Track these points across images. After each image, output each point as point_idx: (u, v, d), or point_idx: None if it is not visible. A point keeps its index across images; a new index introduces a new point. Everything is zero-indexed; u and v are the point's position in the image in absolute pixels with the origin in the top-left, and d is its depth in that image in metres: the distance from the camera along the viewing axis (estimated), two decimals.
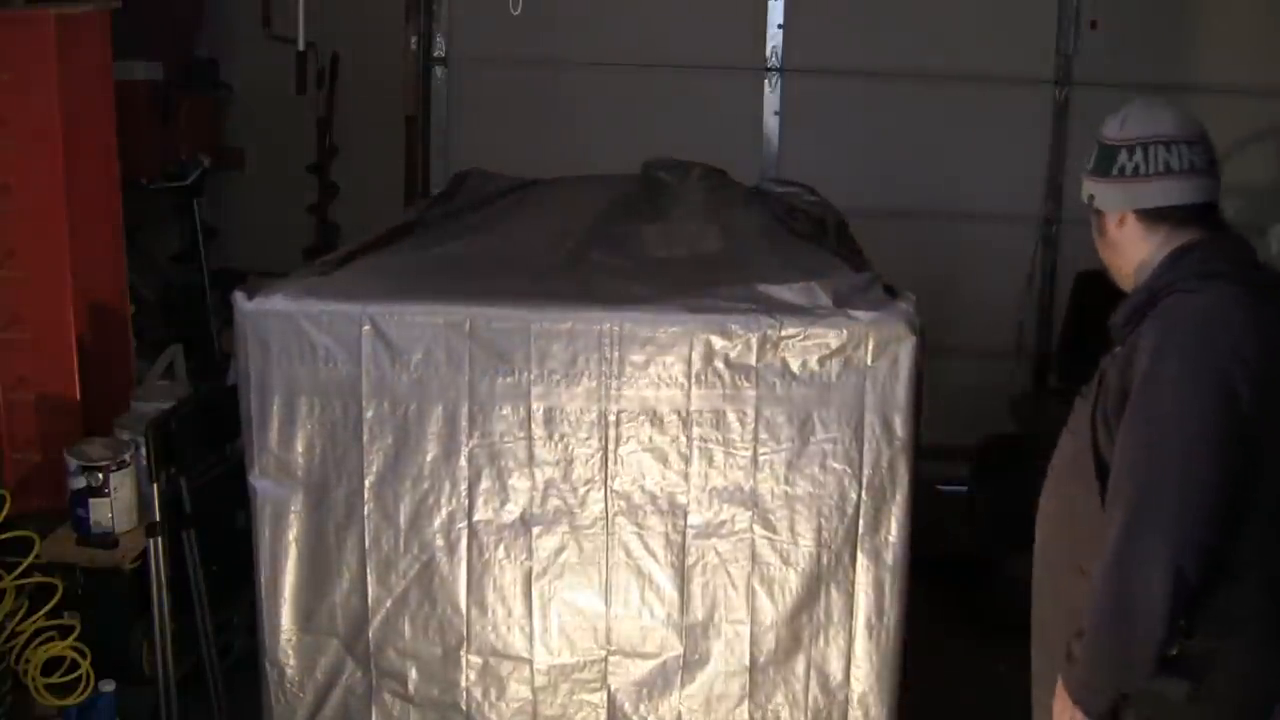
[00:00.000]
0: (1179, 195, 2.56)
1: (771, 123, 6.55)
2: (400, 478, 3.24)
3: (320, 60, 6.61)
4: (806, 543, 3.20)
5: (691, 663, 3.27)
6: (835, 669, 3.25)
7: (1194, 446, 2.38)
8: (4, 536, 3.67)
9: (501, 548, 3.26)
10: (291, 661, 3.34)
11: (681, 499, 3.20)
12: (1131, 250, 2.62)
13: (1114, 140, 2.60)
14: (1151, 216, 2.58)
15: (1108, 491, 2.51)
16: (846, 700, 3.26)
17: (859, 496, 3.17)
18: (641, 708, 3.29)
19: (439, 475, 3.23)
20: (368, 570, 3.28)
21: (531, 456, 3.21)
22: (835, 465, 3.17)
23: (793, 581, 3.21)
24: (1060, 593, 2.72)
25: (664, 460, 3.19)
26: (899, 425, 3.14)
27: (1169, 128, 2.57)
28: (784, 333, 3.12)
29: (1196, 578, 2.36)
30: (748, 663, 3.25)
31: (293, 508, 3.28)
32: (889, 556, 3.20)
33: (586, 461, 3.20)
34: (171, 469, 3.84)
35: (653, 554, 3.23)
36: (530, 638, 3.29)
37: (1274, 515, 2.49)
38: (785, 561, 3.21)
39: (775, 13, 6.49)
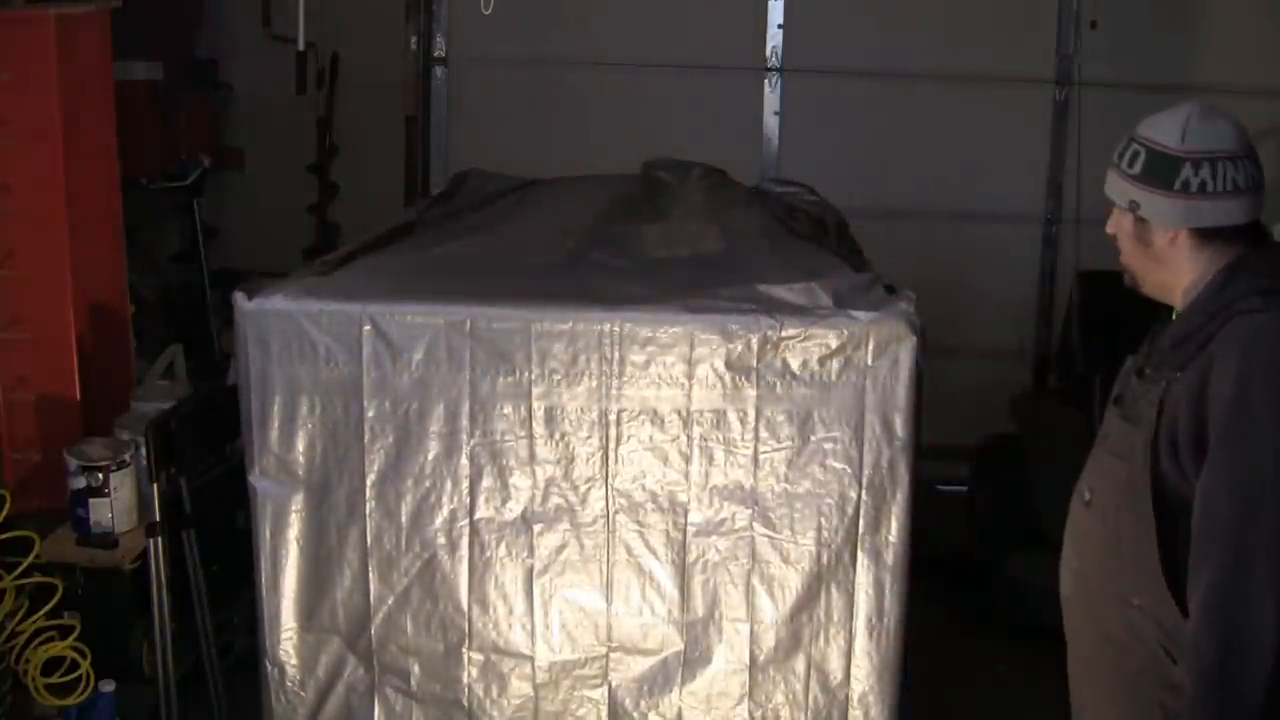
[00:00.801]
0: (1240, 214, 2.46)
1: (771, 123, 6.56)
2: (402, 476, 3.24)
3: (320, 60, 6.61)
4: (807, 542, 3.20)
5: (692, 660, 3.27)
6: (835, 668, 3.25)
7: None
8: (4, 536, 3.67)
9: (503, 545, 3.26)
10: (293, 660, 3.34)
11: (682, 497, 3.21)
12: (1183, 267, 2.51)
13: (1176, 152, 2.45)
14: (1207, 233, 2.47)
15: (1196, 529, 2.42)
16: (846, 699, 3.26)
17: (859, 496, 3.18)
18: (642, 704, 3.30)
19: (440, 474, 3.23)
20: (369, 568, 3.28)
21: (533, 455, 3.21)
22: (835, 465, 3.17)
23: (793, 580, 3.22)
24: (1100, 619, 2.69)
25: (664, 459, 3.19)
26: (899, 425, 3.14)
27: (1232, 142, 2.46)
28: (784, 333, 3.12)
29: None
30: (748, 661, 3.26)
31: (293, 507, 3.28)
32: (889, 556, 3.20)
33: (587, 460, 3.21)
34: (171, 469, 3.84)
35: (653, 552, 3.24)
36: (531, 635, 3.29)
37: None
38: (785, 560, 3.21)
39: (775, 13, 6.49)
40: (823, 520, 3.18)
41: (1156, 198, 2.47)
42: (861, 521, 3.18)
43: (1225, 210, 2.45)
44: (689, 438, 3.18)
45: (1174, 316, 2.57)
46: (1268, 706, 2.37)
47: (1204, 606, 2.40)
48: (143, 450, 3.86)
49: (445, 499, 3.25)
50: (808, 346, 3.12)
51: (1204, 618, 2.40)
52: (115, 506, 4.00)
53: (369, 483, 3.25)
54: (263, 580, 3.32)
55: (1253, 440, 2.34)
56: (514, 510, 3.24)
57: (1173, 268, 2.53)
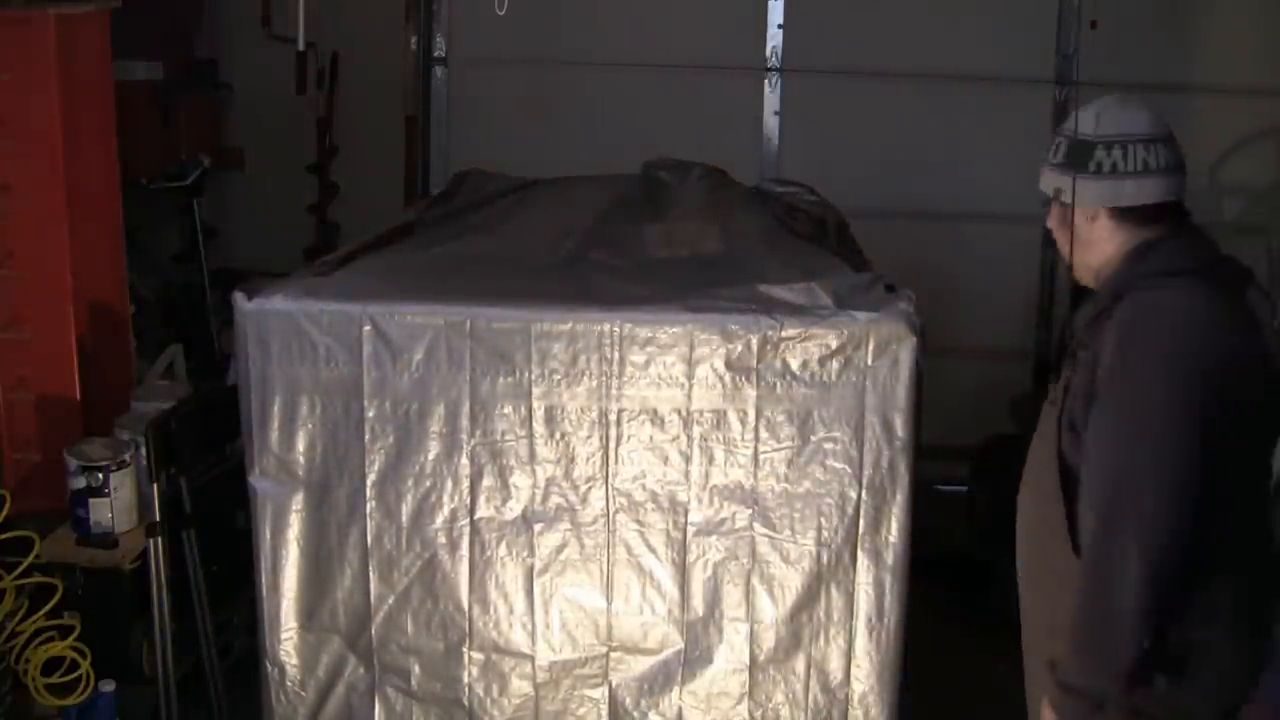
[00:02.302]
0: (1154, 193, 2.60)
1: (771, 123, 6.55)
2: (402, 476, 3.24)
3: (320, 60, 6.60)
4: (807, 542, 3.20)
5: (692, 659, 3.27)
6: (835, 668, 3.25)
7: (1163, 444, 2.38)
8: (4, 536, 3.67)
9: (503, 545, 3.27)
10: (293, 660, 3.35)
11: (682, 497, 3.21)
12: (1100, 246, 2.64)
13: (1091, 137, 2.63)
14: (1124, 213, 2.61)
15: (1081, 495, 2.51)
16: (847, 699, 3.26)
17: (859, 496, 3.18)
18: (642, 703, 3.30)
19: (441, 474, 3.24)
20: (370, 568, 3.28)
21: (533, 454, 3.22)
22: (835, 465, 3.17)
23: (793, 580, 3.22)
24: (1039, 603, 2.74)
25: (664, 458, 3.20)
26: (899, 425, 3.14)
27: (1145, 126, 2.64)
28: (784, 333, 3.12)
29: (1173, 574, 2.37)
30: (748, 660, 3.26)
31: (293, 507, 3.28)
32: (889, 556, 3.21)
33: (588, 459, 3.21)
34: (171, 469, 3.84)
35: (654, 551, 3.24)
36: (532, 634, 3.30)
37: (1248, 508, 2.53)
38: (786, 560, 3.21)
39: (775, 13, 6.48)
40: (823, 520, 3.19)
41: (1087, 182, 2.62)
42: (861, 521, 3.19)
43: (1139, 189, 2.59)
44: (689, 437, 3.18)
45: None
46: (1136, 669, 2.43)
47: (1081, 569, 2.47)
48: (143, 450, 3.86)
49: (445, 499, 3.25)
50: (808, 346, 3.12)
51: (1081, 578, 2.46)
52: (115, 506, 3.99)
53: (369, 483, 3.25)
54: (263, 580, 3.32)
55: (1124, 408, 2.44)
56: (514, 510, 3.25)
57: (1095, 249, 2.65)
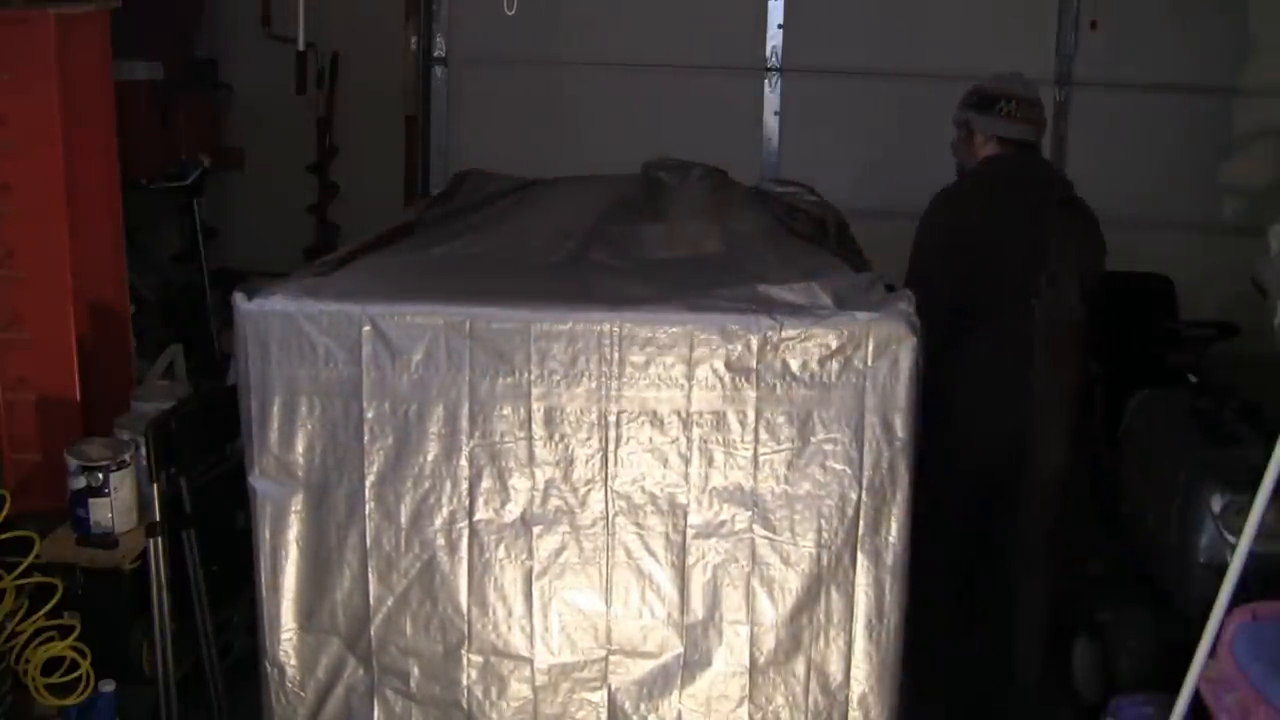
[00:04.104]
0: (1020, 133, 4.27)
1: (771, 123, 6.55)
2: (401, 477, 3.24)
3: (320, 60, 6.61)
4: (807, 543, 3.19)
5: (692, 662, 3.27)
6: (835, 670, 3.25)
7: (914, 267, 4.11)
8: (4, 536, 3.67)
9: (502, 547, 3.26)
10: (292, 661, 3.34)
11: (682, 499, 3.20)
12: (969, 153, 4.36)
13: (995, 91, 4.30)
14: (1001, 141, 4.28)
15: None
16: (847, 701, 3.26)
17: (859, 497, 3.17)
18: (642, 707, 3.30)
19: (440, 475, 3.23)
20: (369, 569, 3.28)
21: (532, 456, 3.21)
22: (835, 466, 3.17)
23: (793, 582, 3.21)
24: None
25: (664, 460, 3.19)
26: (899, 425, 3.14)
27: (1025, 92, 4.29)
28: (784, 333, 3.12)
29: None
30: (748, 663, 3.25)
31: (293, 508, 3.28)
32: (889, 557, 3.20)
33: (587, 462, 3.20)
34: (171, 469, 3.84)
35: (653, 554, 3.23)
36: (531, 637, 3.29)
37: (983, 306, 4.05)
38: (785, 562, 3.21)
39: (775, 13, 6.49)
40: (823, 522, 3.18)
41: (982, 118, 4.30)
42: (861, 523, 3.18)
43: (1013, 128, 4.27)
44: (689, 439, 3.18)
45: None
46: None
47: None
48: (143, 450, 3.86)
49: (444, 500, 3.24)
50: (808, 347, 3.12)
51: None
52: (115, 506, 3.99)
53: (368, 483, 3.25)
54: (263, 580, 3.32)
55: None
56: (513, 512, 3.24)
57: (975, 157, 4.34)
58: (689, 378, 3.15)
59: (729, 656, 3.25)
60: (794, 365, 3.13)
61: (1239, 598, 3.04)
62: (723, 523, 3.21)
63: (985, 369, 4.05)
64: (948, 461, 3.84)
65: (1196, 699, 3.16)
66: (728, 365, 3.14)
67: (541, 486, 3.22)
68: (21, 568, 3.70)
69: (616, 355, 3.16)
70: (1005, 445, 4.03)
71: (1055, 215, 4.13)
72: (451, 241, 3.77)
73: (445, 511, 3.25)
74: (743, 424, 3.16)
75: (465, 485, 3.23)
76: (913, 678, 3.35)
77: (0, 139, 4.21)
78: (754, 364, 3.13)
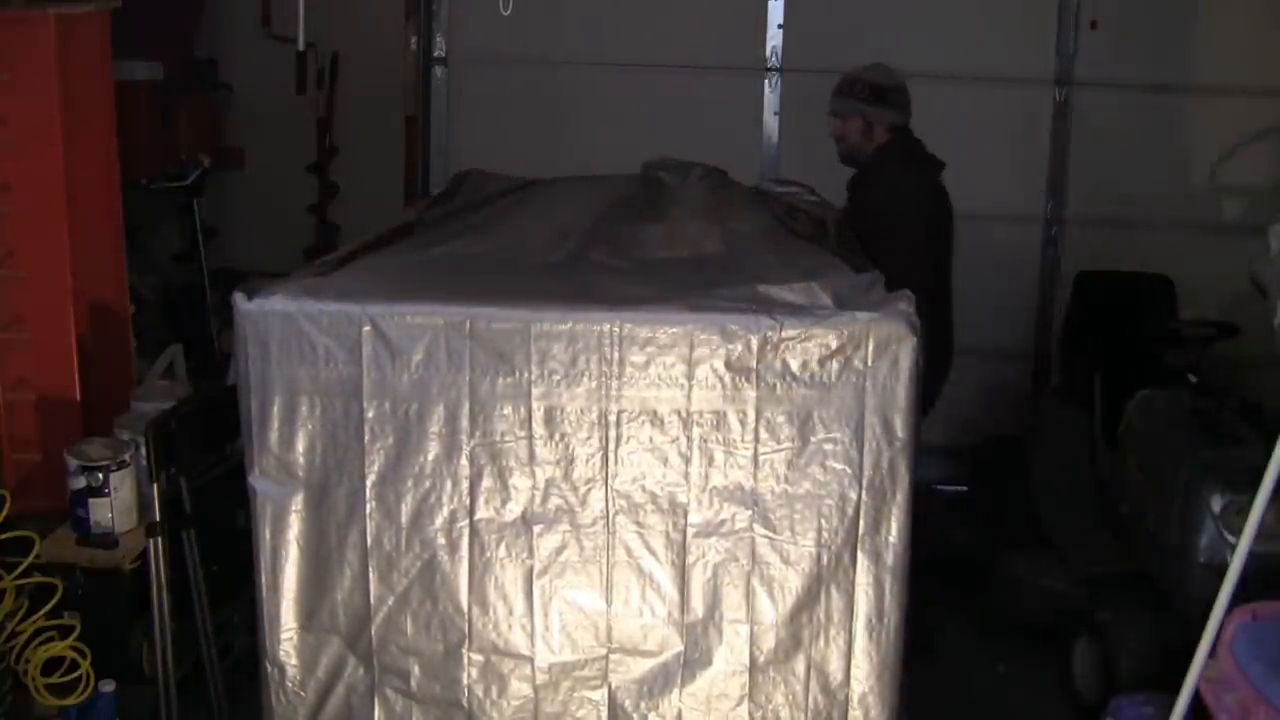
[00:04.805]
0: (905, 119, 4.87)
1: (771, 123, 6.55)
2: (402, 477, 3.24)
3: (320, 60, 6.61)
4: (807, 542, 3.20)
5: (692, 661, 3.27)
6: (835, 669, 3.25)
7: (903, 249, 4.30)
8: (4, 536, 3.67)
9: (503, 546, 3.26)
10: (293, 660, 3.34)
11: (682, 498, 3.21)
12: (868, 142, 4.85)
13: (883, 83, 4.84)
14: (887, 127, 4.83)
15: None
16: (847, 700, 3.26)
17: (859, 497, 3.17)
18: (642, 705, 3.30)
19: (440, 474, 3.23)
20: (369, 569, 3.28)
21: (532, 456, 3.21)
22: (835, 465, 3.17)
23: (793, 581, 3.21)
24: None
25: (664, 460, 3.19)
26: (899, 425, 3.14)
27: (901, 81, 4.88)
28: (784, 333, 3.12)
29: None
30: (748, 662, 3.25)
31: (293, 508, 3.28)
32: (889, 556, 3.20)
33: (587, 461, 3.21)
34: (171, 469, 3.84)
35: (653, 553, 3.24)
36: (531, 636, 3.29)
37: (944, 275, 4.81)
38: (785, 561, 3.21)
39: (775, 13, 6.49)
40: (823, 521, 3.18)
41: (878, 109, 4.84)
42: (861, 522, 3.18)
43: (901, 116, 4.86)
44: (689, 439, 3.18)
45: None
46: None
47: None
48: (143, 450, 3.86)
49: (445, 499, 3.24)
50: (808, 347, 3.12)
51: None
52: (115, 506, 4.00)
53: (369, 483, 3.25)
54: (263, 580, 3.32)
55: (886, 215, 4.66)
56: (514, 511, 3.24)
57: (865, 143, 4.86)
58: (689, 377, 3.15)
59: (729, 655, 3.26)
60: (794, 365, 3.13)
61: (1239, 598, 3.04)
62: (723, 522, 3.21)
63: (945, 334, 4.71)
64: None
65: (1196, 699, 3.17)
66: (728, 365, 3.14)
67: (542, 486, 3.22)
68: (21, 568, 3.70)
69: (616, 355, 3.16)
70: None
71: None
72: (451, 241, 3.77)
73: (446, 511, 3.25)
74: (743, 423, 3.16)
75: (466, 484, 3.23)
76: None
77: (0, 139, 4.21)
78: (754, 364, 3.13)
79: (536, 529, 3.25)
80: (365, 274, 3.39)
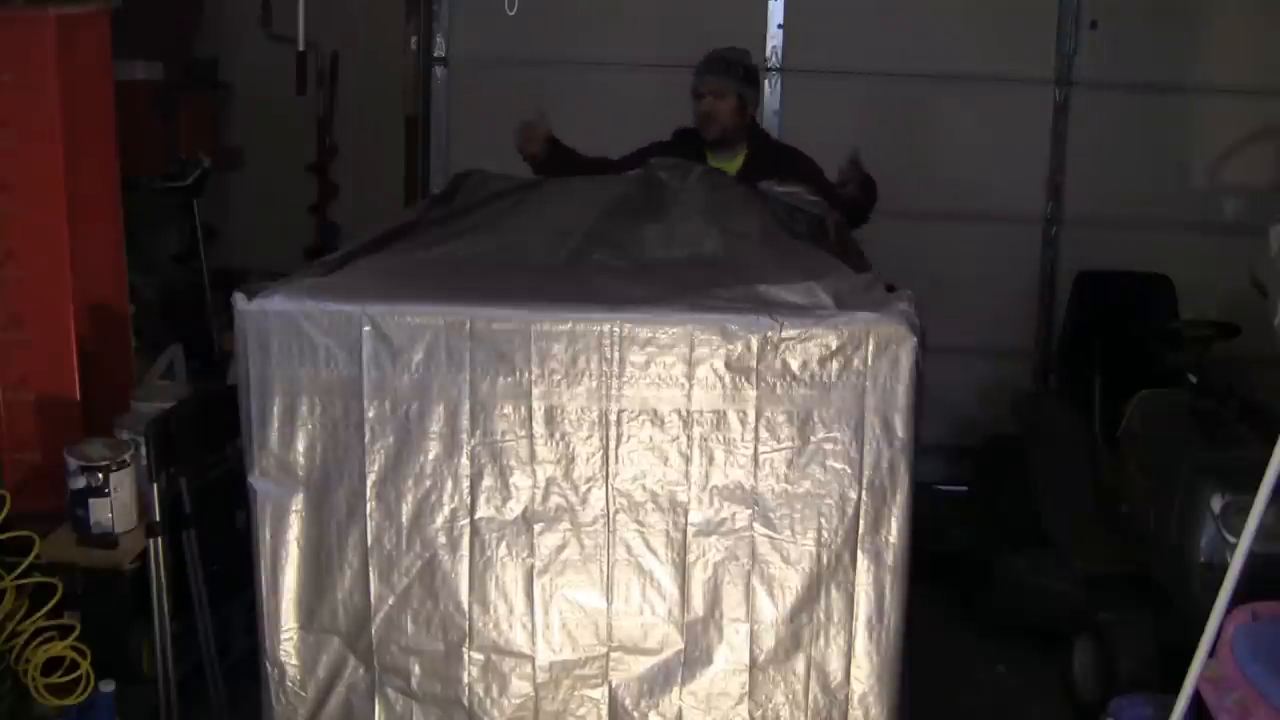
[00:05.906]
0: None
1: (771, 123, 6.54)
2: (402, 477, 3.24)
3: (320, 60, 6.61)
4: (807, 542, 3.20)
5: (692, 660, 3.27)
6: (835, 668, 3.25)
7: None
8: (4, 536, 3.68)
9: (503, 545, 3.27)
10: (293, 660, 3.34)
11: (682, 497, 3.21)
12: (740, 122, 4.86)
13: (753, 66, 4.92)
14: (751, 109, 4.96)
15: None
16: (847, 700, 3.26)
17: (859, 496, 3.17)
18: (642, 704, 3.30)
19: (441, 474, 3.23)
20: (370, 568, 3.28)
21: (533, 455, 3.21)
22: (835, 465, 3.17)
23: (793, 580, 3.22)
24: None
25: (665, 459, 3.19)
26: (899, 425, 3.14)
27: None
28: (784, 333, 3.12)
29: None
30: (748, 661, 3.26)
31: (293, 508, 3.28)
32: (889, 556, 3.20)
33: (588, 460, 3.21)
34: (171, 469, 3.84)
35: (654, 551, 3.24)
36: (532, 634, 3.29)
37: None
38: (786, 560, 3.21)
39: (775, 13, 6.49)
40: (823, 521, 3.18)
41: (754, 90, 4.96)
42: (861, 522, 3.18)
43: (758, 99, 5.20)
44: (689, 438, 3.18)
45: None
46: None
47: None
48: (143, 450, 3.86)
49: (445, 499, 3.24)
50: (808, 347, 3.12)
51: None
52: (115, 506, 4.00)
53: (369, 483, 3.25)
54: (263, 580, 3.31)
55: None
56: (514, 510, 3.25)
57: (740, 119, 4.87)
58: (689, 377, 3.16)
59: (729, 654, 3.26)
60: (794, 365, 3.13)
61: (1239, 598, 3.04)
62: (723, 520, 3.21)
63: None
64: None
65: (1196, 699, 3.17)
66: (728, 365, 3.14)
67: (542, 485, 3.22)
68: (21, 568, 3.70)
69: (617, 355, 3.16)
70: None
71: None
72: (451, 241, 3.76)
73: (446, 510, 3.25)
74: (743, 423, 3.16)
75: (466, 484, 3.23)
76: None
77: (0, 139, 4.21)
78: (754, 364, 3.13)
79: (537, 528, 3.25)
80: (365, 274, 3.39)
